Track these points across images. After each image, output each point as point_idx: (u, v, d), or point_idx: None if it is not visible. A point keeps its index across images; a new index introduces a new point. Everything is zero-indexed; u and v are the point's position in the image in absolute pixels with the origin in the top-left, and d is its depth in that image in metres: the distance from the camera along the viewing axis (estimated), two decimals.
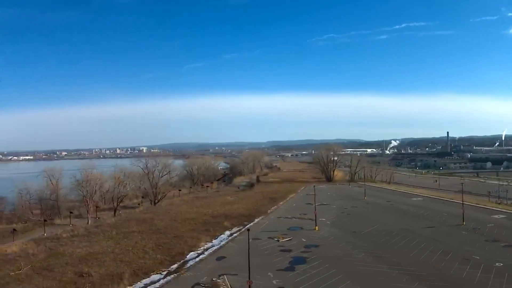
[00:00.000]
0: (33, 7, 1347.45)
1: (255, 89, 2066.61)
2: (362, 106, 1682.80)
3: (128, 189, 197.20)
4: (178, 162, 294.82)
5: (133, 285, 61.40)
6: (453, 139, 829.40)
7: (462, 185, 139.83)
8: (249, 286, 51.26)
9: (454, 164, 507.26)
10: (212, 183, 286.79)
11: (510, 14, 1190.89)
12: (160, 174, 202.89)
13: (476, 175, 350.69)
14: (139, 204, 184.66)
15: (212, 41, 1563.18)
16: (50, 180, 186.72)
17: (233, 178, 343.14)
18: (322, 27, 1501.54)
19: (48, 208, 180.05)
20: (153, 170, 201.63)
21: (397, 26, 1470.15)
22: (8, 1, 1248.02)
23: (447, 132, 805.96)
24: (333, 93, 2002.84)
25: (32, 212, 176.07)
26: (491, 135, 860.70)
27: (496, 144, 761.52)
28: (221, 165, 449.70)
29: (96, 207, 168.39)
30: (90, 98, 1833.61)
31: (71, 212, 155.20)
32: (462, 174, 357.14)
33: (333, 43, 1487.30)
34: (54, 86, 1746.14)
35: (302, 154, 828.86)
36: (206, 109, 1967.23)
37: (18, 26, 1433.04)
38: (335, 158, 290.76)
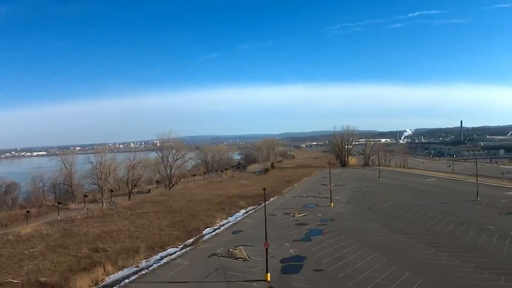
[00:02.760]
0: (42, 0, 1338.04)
1: (269, 80, 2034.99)
2: (376, 96, 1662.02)
3: (142, 172, 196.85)
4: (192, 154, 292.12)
5: (149, 258, 61.42)
6: (467, 129, 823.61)
7: (476, 165, 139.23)
8: (266, 248, 51.19)
9: (468, 152, 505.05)
10: (226, 169, 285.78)
11: None
12: (175, 158, 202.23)
13: (489, 161, 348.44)
14: (149, 190, 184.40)
15: (227, 31, 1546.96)
16: (64, 165, 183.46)
17: (247, 166, 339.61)
18: (335, 16, 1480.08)
19: (62, 193, 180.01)
20: (168, 153, 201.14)
21: (411, 15, 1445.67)
22: None
23: (461, 122, 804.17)
24: (347, 83, 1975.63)
25: (45, 201, 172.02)
26: (505, 125, 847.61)
27: (510, 133, 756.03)
28: (236, 156, 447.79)
29: (111, 191, 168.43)
30: (102, 92, 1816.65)
31: (85, 196, 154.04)
32: (476, 159, 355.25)
33: (346, 32, 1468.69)
34: (65, 81, 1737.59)
35: (316, 144, 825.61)
36: (219, 101, 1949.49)
37: (27, 20, 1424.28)
38: (350, 147, 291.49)
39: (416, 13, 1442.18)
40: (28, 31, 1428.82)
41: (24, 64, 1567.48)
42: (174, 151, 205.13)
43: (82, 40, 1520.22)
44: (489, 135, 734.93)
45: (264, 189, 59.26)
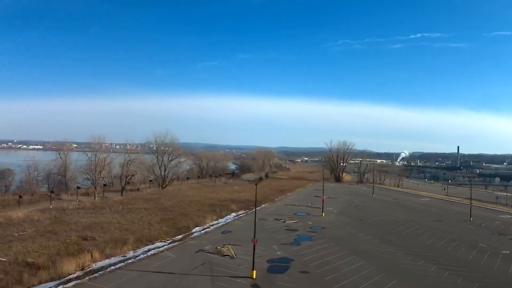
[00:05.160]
0: None
1: (267, 92, 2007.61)
2: (373, 116, 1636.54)
3: (136, 169, 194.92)
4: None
5: (136, 250, 61.51)
6: (463, 155, 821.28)
7: (470, 189, 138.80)
8: (254, 245, 51.07)
9: (463, 177, 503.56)
10: (221, 175, 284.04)
11: None
12: (170, 158, 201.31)
13: (485, 187, 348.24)
14: (138, 189, 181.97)
15: (228, 39, 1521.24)
16: (60, 156, 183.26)
17: (241, 175, 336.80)
18: (337, 32, 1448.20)
19: (55, 184, 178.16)
20: (163, 153, 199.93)
21: (413, 36, 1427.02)
22: None
23: (458, 147, 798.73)
24: (345, 101, 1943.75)
25: (38, 190, 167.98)
26: (501, 154, 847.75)
27: (506, 162, 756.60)
28: (231, 165, 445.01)
29: (104, 185, 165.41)
30: (101, 91, 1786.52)
31: (78, 188, 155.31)
32: (471, 184, 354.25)
33: (347, 49, 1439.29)
34: (64, 77, 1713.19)
35: (311, 160, 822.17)
36: (217, 109, 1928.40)
37: (29, 12, 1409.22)
38: (345, 164, 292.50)
39: (418, 35, 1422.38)
40: (30, 24, 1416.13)
41: (25, 57, 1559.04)
42: (169, 150, 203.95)
43: (84, 37, 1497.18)
44: (485, 163, 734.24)
45: (256, 184, 59.55)
